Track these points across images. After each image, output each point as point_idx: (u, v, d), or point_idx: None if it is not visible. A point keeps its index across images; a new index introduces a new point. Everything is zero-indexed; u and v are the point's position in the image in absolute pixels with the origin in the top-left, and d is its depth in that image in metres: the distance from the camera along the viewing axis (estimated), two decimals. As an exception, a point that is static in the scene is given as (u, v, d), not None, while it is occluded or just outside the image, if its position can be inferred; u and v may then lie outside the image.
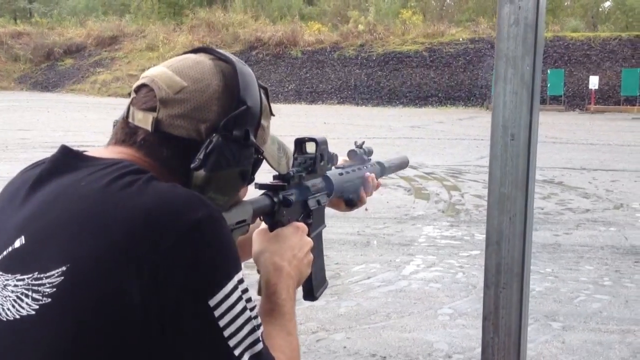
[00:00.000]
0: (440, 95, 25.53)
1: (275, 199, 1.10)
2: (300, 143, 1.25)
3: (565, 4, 36.43)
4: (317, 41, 29.31)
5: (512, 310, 1.06)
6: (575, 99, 24.19)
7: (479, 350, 1.23)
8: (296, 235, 1.11)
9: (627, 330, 3.71)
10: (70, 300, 0.79)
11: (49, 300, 0.79)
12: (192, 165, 0.91)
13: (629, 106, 23.22)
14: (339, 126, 16.55)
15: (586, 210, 6.94)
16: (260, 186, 1.12)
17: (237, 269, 0.86)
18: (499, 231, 1.07)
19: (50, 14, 39.73)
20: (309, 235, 1.18)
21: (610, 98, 23.99)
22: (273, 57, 29.03)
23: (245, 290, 0.86)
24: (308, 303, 4.33)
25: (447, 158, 10.93)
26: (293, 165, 1.22)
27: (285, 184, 1.13)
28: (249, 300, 0.87)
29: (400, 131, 15.64)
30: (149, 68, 1.02)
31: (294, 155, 1.23)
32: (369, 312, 3.98)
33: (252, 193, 1.10)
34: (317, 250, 1.26)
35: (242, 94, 0.94)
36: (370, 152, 1.53)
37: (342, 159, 1.48)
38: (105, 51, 32.86)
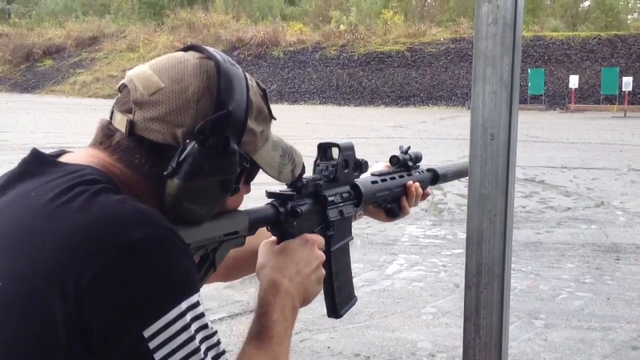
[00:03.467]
0: (422, 95, 25.64)
1: (281, 209, 1.02)
2: (323, 148, 1.16)
3: (546, 3, 36.74)
4: (298, 41, 29.33)
5: (493, 311, 1.06)
6: (556, 98, 24.42)
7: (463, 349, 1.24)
8: (304, 248, 1.02)
9: (608, 328, 3.74)
10: (0, 322, 0.75)
11: None
12: (164, 173, 0.85)
13: (608, 105, 23.47)
14: (321, 126, 16.55)
15: (567, 209, 7.00)
16: (269, 194, 1.05)
17: (187, 294, 0.78)
18: (479, 231, 1.07)
19: (29, 15, 39.37)
20: (328, 248, 1.11)
21: (590, 97, 24.25)
22: (255, 57, 28.99)
23: (196, 318, 0.78)
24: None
25: (430, 157, 10.96)
26: (314, 172, 1.14)
27: (294, 193, 1.04)
28: (201, 328, 0.79)
29: (383, 131, 15.67)
30: (129, 69, 0.96)
31: (315, 161, 1.16)
32: (353, 312, 3.98)
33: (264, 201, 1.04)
34: (343, 264, 1.19)
35: (222, 96, 0.86)
36: (417, 159, 1.43)
37: (384, 164, 1.39)
38: (85, 52, 32.64)
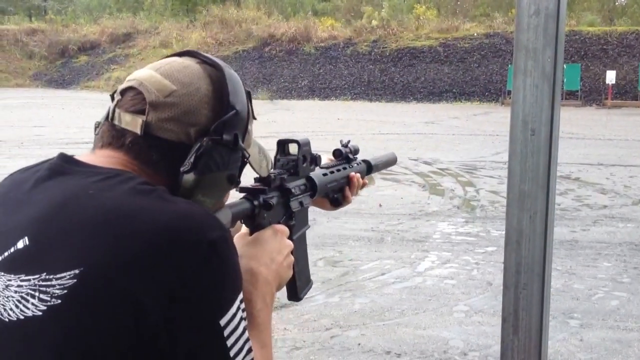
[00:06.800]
0: (454, 90, 25.37)
1: (256, 202, 1.09)
2: (282, 144, 1.25)
3: (581, -3, 36.08)
4: (330, 37, 29.22)
5: (533, 312, 1.02)
6: (592, 94, 23.95)
7: (496, 347, 1.20)
8: (275, 238, 1.10)
9: (646, 328, 3.65)
10: (81, 304, 0.79)
11: (59, 302, 0.79)
12: (182, 168, 0.93)
13: (646, 101, 22.94)
14: (352, 122, 16.50)
15: (604, 206, 6.86)
16: (240, 189, 1.11)
17: (240, 288, 0.89)
18: (519, 230, 1.03)
19: (65, 12, 40.01)
20: (291, 237, 1.18)
21: (628, 93, 23.72)
22: (286, 53, 29.00)
23: (243, 310, 0.89)
24: (322, 299, 4.28)
25: (462, 154, 10.85)
26: (275, 167, 1.22)
27: (266, 187, 1.12)
28: (244, 318, 0.89)
29: (415, 127, 15.56)
30: None
31: (276, 156, 1.24)
32: (384, 309, 3.95)
33: (233, 196, 1.09)
34: (301, 251, 1.27)
35: (231, 98, 0.96)
36: (356, 151, 1.54)
37: (327, 157, 1.48)
38: (119, 48, 33.00)
